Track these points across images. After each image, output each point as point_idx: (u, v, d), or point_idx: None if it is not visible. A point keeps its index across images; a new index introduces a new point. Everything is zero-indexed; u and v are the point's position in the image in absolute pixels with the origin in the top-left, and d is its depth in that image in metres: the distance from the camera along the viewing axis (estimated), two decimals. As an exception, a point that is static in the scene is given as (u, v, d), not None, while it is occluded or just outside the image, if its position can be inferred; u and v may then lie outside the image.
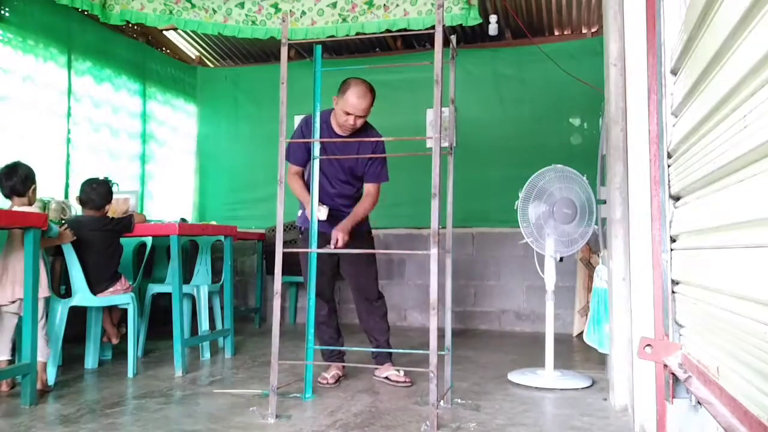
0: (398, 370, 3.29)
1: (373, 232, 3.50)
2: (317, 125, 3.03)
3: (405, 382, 3.23)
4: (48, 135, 4.69)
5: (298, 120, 6.10)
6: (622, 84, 2.69)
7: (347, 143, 3.20)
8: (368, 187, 3.29)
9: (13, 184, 3.12)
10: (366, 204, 3.24)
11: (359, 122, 3.15)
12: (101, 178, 3.67)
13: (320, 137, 3.07)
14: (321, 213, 3.04)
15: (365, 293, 3.38)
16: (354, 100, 3.07)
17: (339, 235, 3.03)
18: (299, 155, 3.23)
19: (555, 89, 5.45)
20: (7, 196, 3.16)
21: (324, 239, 3.12)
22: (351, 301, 5.85)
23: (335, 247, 3.02)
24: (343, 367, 3.40)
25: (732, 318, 1.30)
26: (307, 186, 3.19)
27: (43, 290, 3.05)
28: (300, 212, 3.35)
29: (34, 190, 3.21)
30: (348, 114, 3.09)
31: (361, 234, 3.29)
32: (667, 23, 1.91)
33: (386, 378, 3.29)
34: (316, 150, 3.07)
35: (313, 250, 2.98)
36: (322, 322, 3.33)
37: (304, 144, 3.17)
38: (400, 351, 3.72)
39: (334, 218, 3.13)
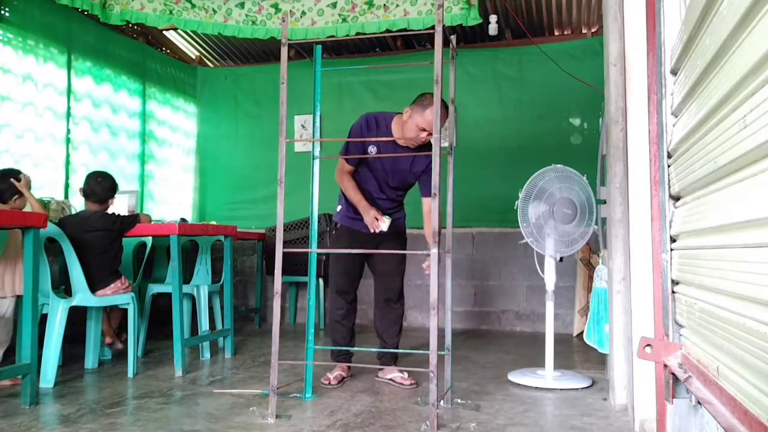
0: (402, 372, 3.28)
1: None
2: (317, 124, 3.02)
3: (411, 384, 3.20)
4: (48, 135, 4.69)
5: (298, 120, 6.15)
6: (622, 84, 2.69)
7: (403, 151, 3.16)
8: (428, 203, 3.20)
9: None
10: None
11: (429, 139, 3.10)
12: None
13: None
14: (384, 224, 3.06)
15: (388, 293, 3.36)
16: (434, 118, 3.01)
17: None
18: (355, 154, 3.19)
19: (555, 89, 5.45)
20: None
21: (359, 239, 3.17)
22: (363, 302, 5.90)
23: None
24: (349, 368, 3.39)
25: (732, 318, 1.30)
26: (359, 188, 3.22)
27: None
28: (339, 208, 3.33)
29: (16, 198, 3.31)
30: (423, 130, 3.05)
31: (397, 235, 3.32)
32: (667, 23, 1.91)
33: (391, 380, 3.28)
34: (316, 150, 3.06)
35: (313, 250, 2.98)
36: (337, 320, 3.32)
37: (361, 144, 3.15)
38: (401, 351, 3.71)
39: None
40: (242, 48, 6.37)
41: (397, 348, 3.38)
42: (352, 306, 3.35)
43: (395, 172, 3.22)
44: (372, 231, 3.09)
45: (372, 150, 3.17)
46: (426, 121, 3.02)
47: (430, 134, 3.04)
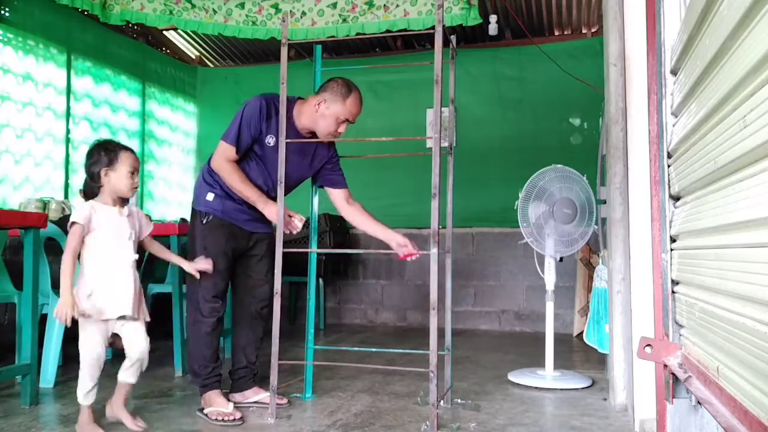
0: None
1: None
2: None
3: (284, 402, 2.79)
4: (48, 134, 4.69)
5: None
6: (622, 84, 2.69)
7: (306, 147, 2.82)
8: (344, 195, 2.88)
9: None
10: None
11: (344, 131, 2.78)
12: None
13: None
14: (301, 223, 2.71)
15: (261, 303, 2.85)
16: (358, 107, 2.74)
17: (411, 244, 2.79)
18: (245, 138, 2.67)
19: (555, 89, 5.45)
20: None
21: (236, 236, 2.73)
22: (363, 302, 5.89)
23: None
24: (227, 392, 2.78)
25: (732, 318, 1.30)
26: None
27: None
28: (212, 196, 2.71)
29: None
30: (344, 122, 2.73)
31: (270, 238, 2.87)
32: (667, 23, 1.91)
33: (255, 402, 2.77)
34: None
35: (314, 250, 2.98)
36: (208, 332, 2.68)
37: (253, 129, 2.68)
38: (400, 351, 3.72)
39: (259, 220, 2.79)
40: (242, 48, 6.37)
41: (256, 365, 2.86)
42: (222, 316, 2.76)
43: (292, 167, 2.73)
44: (288, 232, 2.67)
45: (270, 141, 2.71)
46: (348, 111, 2.72)
47: (351, 123, 2.78)
